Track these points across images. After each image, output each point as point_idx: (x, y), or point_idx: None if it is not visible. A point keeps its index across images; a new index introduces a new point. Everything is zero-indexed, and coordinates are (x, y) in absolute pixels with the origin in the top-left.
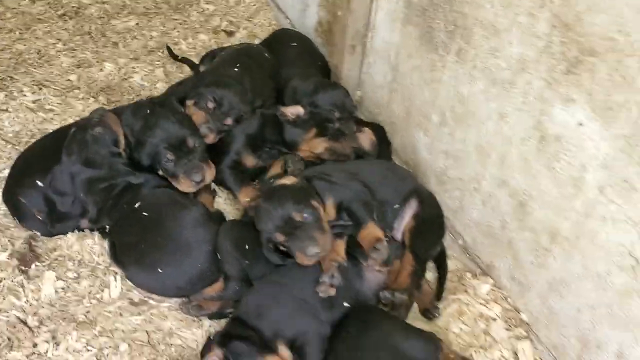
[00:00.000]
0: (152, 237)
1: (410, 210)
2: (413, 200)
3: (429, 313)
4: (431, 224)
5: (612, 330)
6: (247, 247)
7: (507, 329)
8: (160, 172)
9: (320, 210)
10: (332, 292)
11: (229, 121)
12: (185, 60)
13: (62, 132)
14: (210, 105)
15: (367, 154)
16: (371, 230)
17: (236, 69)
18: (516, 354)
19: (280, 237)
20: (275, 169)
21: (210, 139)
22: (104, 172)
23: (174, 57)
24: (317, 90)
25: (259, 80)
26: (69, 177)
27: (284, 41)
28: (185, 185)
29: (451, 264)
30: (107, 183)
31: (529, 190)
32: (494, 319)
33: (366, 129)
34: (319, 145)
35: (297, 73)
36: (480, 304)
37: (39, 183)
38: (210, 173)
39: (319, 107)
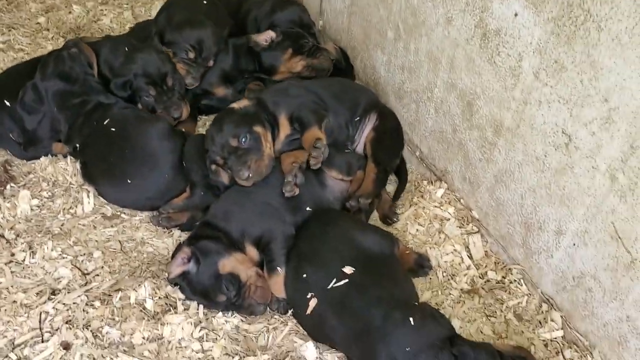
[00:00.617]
0: (120, 151)
1: (370, 123)
2: (372, 113)
3: (388, 219)
4: (390, 135)
5: (551, 208)
6: None
7: (459, 227)
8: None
9: (262, 136)
10: (297, 191)
11: (210, 63)
12: None
13: (36, 60)
14: (191, 55)
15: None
16: (313, 132)
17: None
18: (467, 247)
19: (220, 161)
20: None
21: (195, 85)
22: (77, 88)
23: None
24: (275, 10)
25: (219, 8)
26: (40, 93)
27: None
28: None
29: (409, 175)
30: (80, 99)
31: (474, 88)
32: (448, 219)
33: (329, 42)
34: (297, 65)
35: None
36: (435, 206)
37: (7, 103)
38: (186, 110)
39: (278, 26)
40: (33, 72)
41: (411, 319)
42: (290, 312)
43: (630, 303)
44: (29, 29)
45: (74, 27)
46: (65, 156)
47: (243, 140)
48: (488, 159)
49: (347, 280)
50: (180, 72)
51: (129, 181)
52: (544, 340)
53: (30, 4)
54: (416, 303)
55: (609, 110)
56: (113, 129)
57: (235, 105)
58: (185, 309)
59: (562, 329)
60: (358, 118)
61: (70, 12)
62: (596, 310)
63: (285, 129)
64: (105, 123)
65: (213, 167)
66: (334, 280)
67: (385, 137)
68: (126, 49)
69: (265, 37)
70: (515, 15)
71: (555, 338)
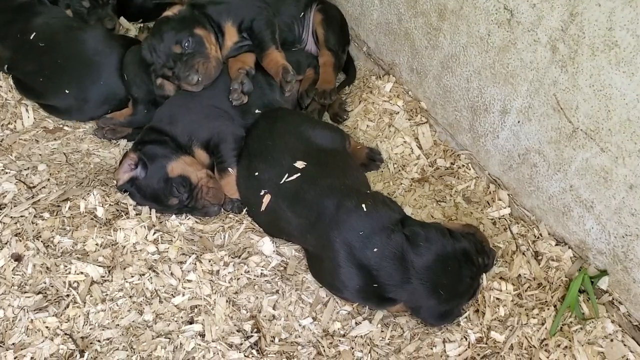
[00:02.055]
0: (55, 61)
1: (314, 14)
2: (314, 5)
3: (338, 117)
4: (338, 22)
5: (496, 88)
6: None
7: (408, 119)
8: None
9: (205, 38)
10: (245, 99)
11: None
12: None
13: None
14: None
15: None
16: (274, 57)
17: None
18: (417, 138)
19: (167, 72)
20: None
21: None
22: None
23: None
24: None
25: None
26: None
27: None
28: None
29: (358, 72)
30: None
31: None
32: (397, 112)
33: None
34: None
35: None
36: (385, 101)
37: None
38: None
39: None
40: None
41: (363, 205)
42: (244, 211)
43: (573, 172)
44: None
45: None
46: None
47: (186, 44)
48: (434, 46)
49: (299, 174)
50: None
51: (66, 91)
52: (492, 219)
53: None
54: (367, 192)
55: None
56: (42, 44)
57: (168, 12)
58: (137, 214)
59: (509, 206)
60: (302, 14)
61: None
62: (541, 184)
63: (232, 36)
64: (31, 38)
65: (159, 81)
66: (286, 175)
67: (333, 21)
68: None
69: None
70: None
71: (503, 216)
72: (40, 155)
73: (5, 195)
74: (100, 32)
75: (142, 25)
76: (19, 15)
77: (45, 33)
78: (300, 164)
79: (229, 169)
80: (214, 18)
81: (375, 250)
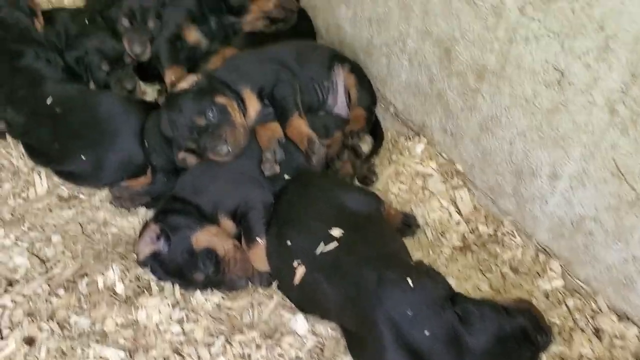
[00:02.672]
0: (71, 126)
1: (340, 76)
2: (337, 66)
3: (367, 180)
4: (368, 80)
5: (544, 151)
6: None
7: (443, 182)
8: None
9: (228, 105)
10: (277, 169)
11: (151, 24)
12: None
13: None
14: (126, 24)
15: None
16: (297, 126)
17: None
18: (455, 202)
19: (191, 145)
20: (217, 60)
21: (147, 53)
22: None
23: None
24: None
25: None
26: None
27: None
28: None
29: (385, 134)
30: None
31: (452, 33)
32: (431, 175)
33: None
34: (269, 2)
35: None
36: (416, 163)
37: None
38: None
39: None
40: None
41: (408, 278)
42: (274, 284)
43: (636, 242)
44: None
45: None
46: (3, 137)
47: (210, 115)
48: (471, 107)
49: (336, 243)
50: (126, 44)
51: (82, 157)
52: (544, 292)
53: None
54: (411, 262)
55: (606, 38)
56: (58, 109)
57: (183, 84)
58: (160, 290)
59: (562, 277)
60: (327, 83)
61: None
62: (598, 254)
63: (254, 104)
64: (48, 103)
65: (181, 155)
66: (322, 245)
67: (366, 81)
68: (86, 21)
69: None
70: None
71: (556, 288)
72: (54, 225)
73: (17, 271)
74: (117, 96)
75: (159, 88)
76: (33, 79)
77: (61, 98)
78: (336, 232)
79: (258, 238)
80: (232, 86)
81: (425, 331)
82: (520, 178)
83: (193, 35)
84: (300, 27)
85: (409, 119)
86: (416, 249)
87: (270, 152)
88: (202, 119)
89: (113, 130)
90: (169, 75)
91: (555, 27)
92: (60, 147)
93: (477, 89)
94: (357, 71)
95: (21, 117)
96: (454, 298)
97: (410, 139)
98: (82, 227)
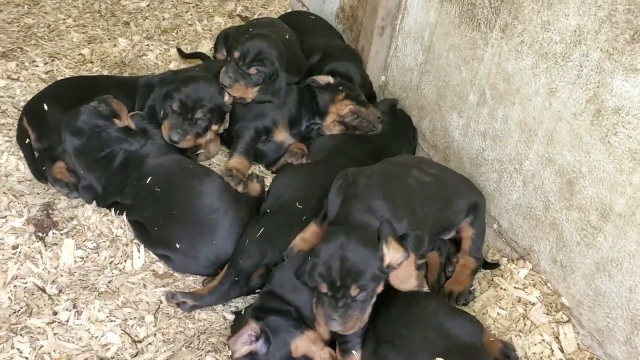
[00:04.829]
0: (170, 211)
1: (463, 228)
2: (469, 219)
3: (464, 300)
4: (485, 231)
5: None
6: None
7: (546, 314)
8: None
9: (374, 291)
10: None
11: (253, 70)
12: (196, 55)
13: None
14: (236, 54)
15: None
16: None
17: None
18: (557, 338)
19: (323, 288)
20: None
21: (182, 141)
22: (93, 142)
23: (184, 55)
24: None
25: (298, 56)
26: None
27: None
28: (164, 131)
29: (486, 250)
30: (102, 153)
31: (579, 166)
32: (533, 304)
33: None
34: (345, 107)
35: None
36: (518, 288)
37: None
38: (188, 142)
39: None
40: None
41: None
42: None
43: None
44: (71, 60)
45: (118, 62)
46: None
47: (363, 294)
48: (589, 244)
49: None
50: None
51: (177, 245)
52: None
53: (72, 33)
54: None
55: None
56: (158, 189)
57: (367, 220)
58: None
59: None
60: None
61: (115, 45)
62: None
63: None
64: (147, 182)
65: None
66: None
67: (483, 233)
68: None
69: (324, 78)
70: None
71: None
72: (147, 303)
73: (109, 348)
74: (218, 186)
75: (251, 173)
76: (128, 166)
77: (160, 176)
78: None
79: (353, 352)
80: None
81: None
82: (637, 328)
83: (282, 135)
84: (398, 126)
85: (514, 239)
86: None
87: None
88: (355, 289)
89: (211, 223)
90: (233, 163)
91: None
92: (158, 231)
93: (599, 227)
94: (480, 225)
95: (129, 199)
96: None
97: (513, 261)
98: (174, 308)
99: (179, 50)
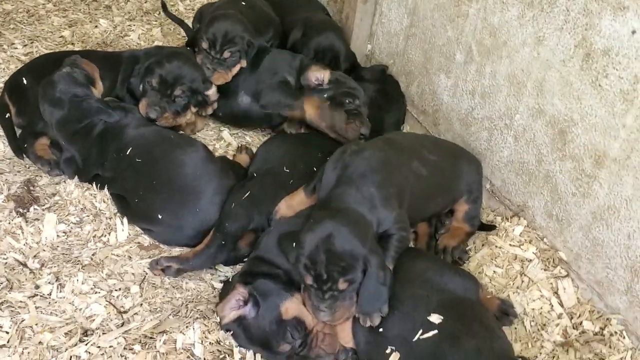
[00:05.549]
0: (150, 182)
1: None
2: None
3: (458, 259)
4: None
5: None
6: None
7: (544, 269)
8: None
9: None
10: None
11: (227, 54)
12: (179, 21)
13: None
14: (204, 45)
15: None
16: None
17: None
18: (557, 293)
19: (307, 280)
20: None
21: (216, 77)
22: (73, 112)
23: (168, 13)
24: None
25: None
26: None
27: None
28: (141, 108)
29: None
30: (81, 124)
31: (570, 114)
32: (530, 260)
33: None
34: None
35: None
36: (513, 245)
37: None
38: (166, 120)
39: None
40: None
41: None
42: None
43: None
44: (52, 42)
45: (100, 42)
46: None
47: (351, 288)
48: (584, 194)
49: (435, 331)
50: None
51: (159, 216)
52: None
53: (52, 17)
54: (519, 357)
55: None
56: (138, 159)
57: (358, 208)
58: (242, 357)
59: None
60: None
61: (96, 27)
62: None
63: None
64: (127, 153)
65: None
66: (420, 332)
67: (479, 204)
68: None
69: (318, 76)
70: (633, 32)
71: None
72: (132, 274)
73: (94, 319)
74: (200, 155)
75: (241, 145)
76: (106, 137)
77: (140, 147)
78: (436, 318)
79: None
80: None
81: None
82: (637, 276)
83: None
84: (387, 92)
85: (507, 197)
86: (514, 341)
87: None
88: (343, 283)
89: (194, 191)
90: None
91: None
92: (139, 203)
93: (594, 175)
94: (476, 202)
95: (109, 172)
96: None
97: (507, 219)
98: (161, 278)
99: (163, 5)
